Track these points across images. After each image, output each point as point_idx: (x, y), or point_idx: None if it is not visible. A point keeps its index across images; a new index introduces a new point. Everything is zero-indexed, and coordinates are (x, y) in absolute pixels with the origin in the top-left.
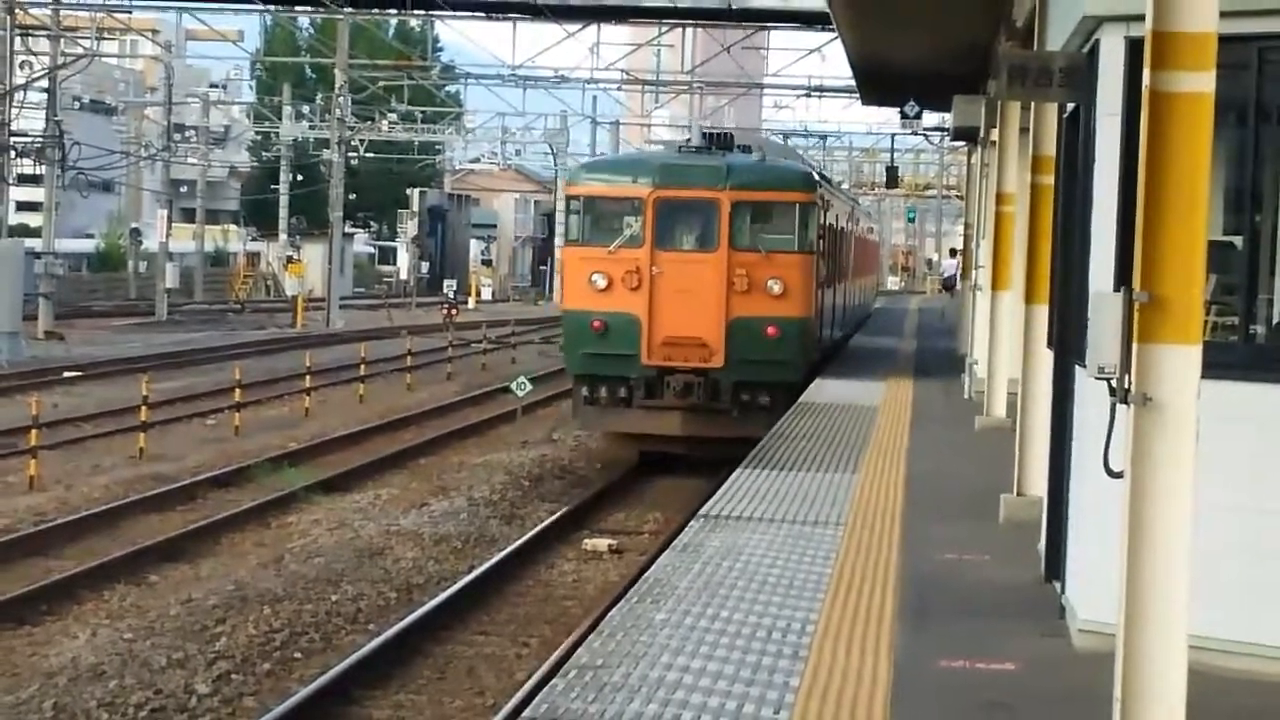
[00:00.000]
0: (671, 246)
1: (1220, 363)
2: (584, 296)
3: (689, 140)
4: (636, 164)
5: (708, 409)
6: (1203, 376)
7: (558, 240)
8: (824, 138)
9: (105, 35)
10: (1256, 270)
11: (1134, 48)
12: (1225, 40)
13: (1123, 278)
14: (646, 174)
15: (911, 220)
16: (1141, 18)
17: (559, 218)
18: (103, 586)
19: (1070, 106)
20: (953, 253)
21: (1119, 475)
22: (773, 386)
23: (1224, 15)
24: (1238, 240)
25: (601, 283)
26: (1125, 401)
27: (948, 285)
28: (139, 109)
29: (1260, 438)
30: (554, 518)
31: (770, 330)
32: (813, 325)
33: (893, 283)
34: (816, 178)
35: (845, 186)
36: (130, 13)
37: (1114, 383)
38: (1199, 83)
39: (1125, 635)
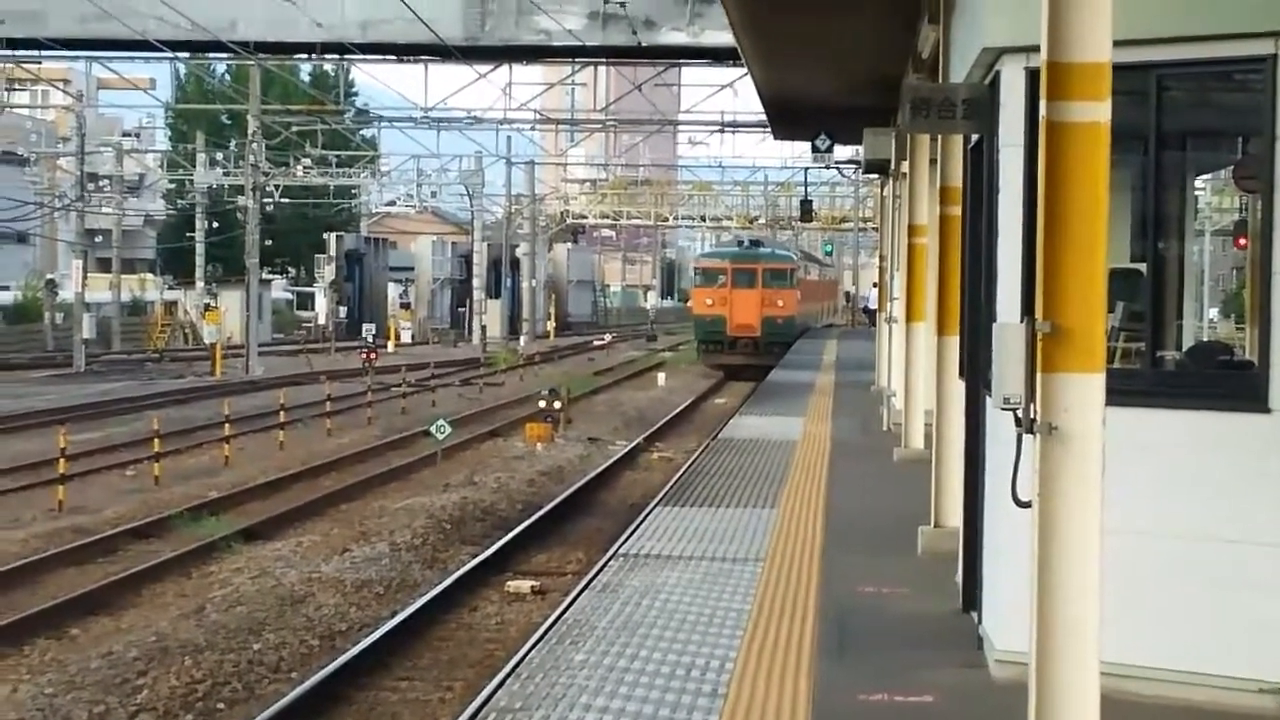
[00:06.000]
0: (739, 287)
1: (1127, 389)
2: (702, 309)
3: (743, 242)
4: (723, 253)
5: (754, 353)
6: (1109, 403)
7: (476, 281)
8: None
9: (15, 86)
10: (1162, 297)
11: (1034, 78)
12: (1123, 69)
13: (1028, 307)
14: (728, 257)
15: (829, 254)
16: (1040, 49)
17: (692, 277)
18: (23, 641)
19: (975, 138)
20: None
21: (1027, 505)
22: (781, 344)
23: (1120, 44)
24: (1143, 267)
25: (710, 302)
26: (1031, 431)
27: (869, 314)
28: (52, 159)
29: (1168, 464)
30: (476, 561)
31: (780, 320)
32: (797, 319)
33: None
34: (798, 256)
35: (761, 221)
36: (40, 63)
37: (1019, 413)
38: (1094, 112)
39: (1037, 664)
